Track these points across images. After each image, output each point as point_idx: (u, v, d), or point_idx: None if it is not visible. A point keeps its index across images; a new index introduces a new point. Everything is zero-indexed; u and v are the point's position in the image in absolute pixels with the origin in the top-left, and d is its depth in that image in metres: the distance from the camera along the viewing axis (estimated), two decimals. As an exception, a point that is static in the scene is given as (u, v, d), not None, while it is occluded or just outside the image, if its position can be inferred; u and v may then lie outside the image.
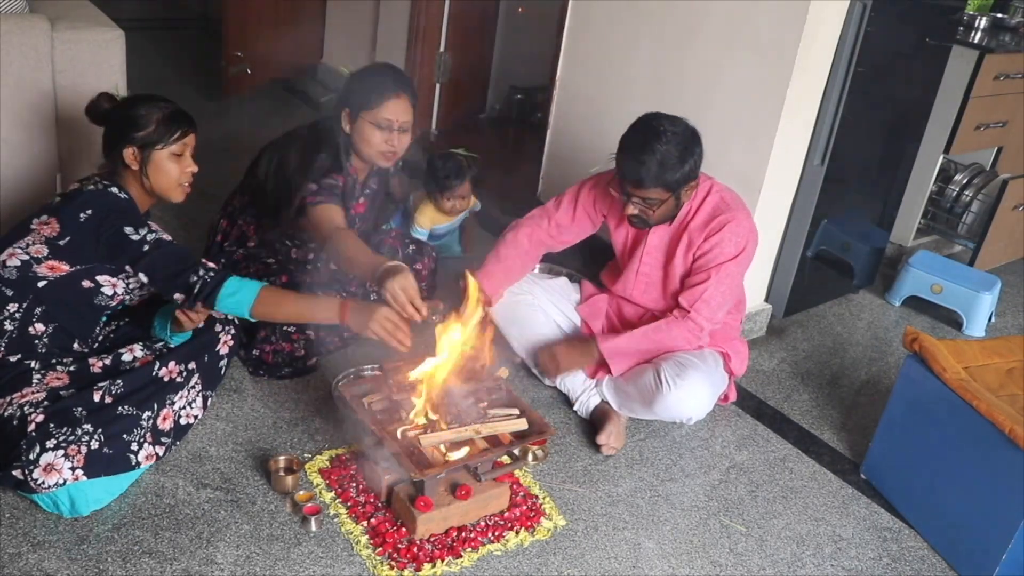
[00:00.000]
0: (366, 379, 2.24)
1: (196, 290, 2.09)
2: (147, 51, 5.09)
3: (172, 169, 2.17)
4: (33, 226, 2.10)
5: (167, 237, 2.12)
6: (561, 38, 3.46)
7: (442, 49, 4.42)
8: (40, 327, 2.12)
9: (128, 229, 2.08)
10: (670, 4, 3.02)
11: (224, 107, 4.54)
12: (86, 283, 2.11)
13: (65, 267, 2.08)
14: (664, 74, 3.08)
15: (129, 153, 2.12)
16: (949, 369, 2.23)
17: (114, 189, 2.14)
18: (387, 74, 2.53)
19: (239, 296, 2.10)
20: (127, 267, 2.11)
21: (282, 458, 2.18)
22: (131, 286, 2.17)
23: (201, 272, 2.11)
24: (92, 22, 2.86)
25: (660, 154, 2.26)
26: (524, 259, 2.66)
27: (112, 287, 2.14)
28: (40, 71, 2.70)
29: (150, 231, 2.11)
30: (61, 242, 2.07)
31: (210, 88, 4.72)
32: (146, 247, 2.09)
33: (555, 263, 2.91)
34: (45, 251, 2.07)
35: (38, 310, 2.11)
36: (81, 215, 2.08)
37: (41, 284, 2.08)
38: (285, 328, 2.47)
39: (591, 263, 2.58)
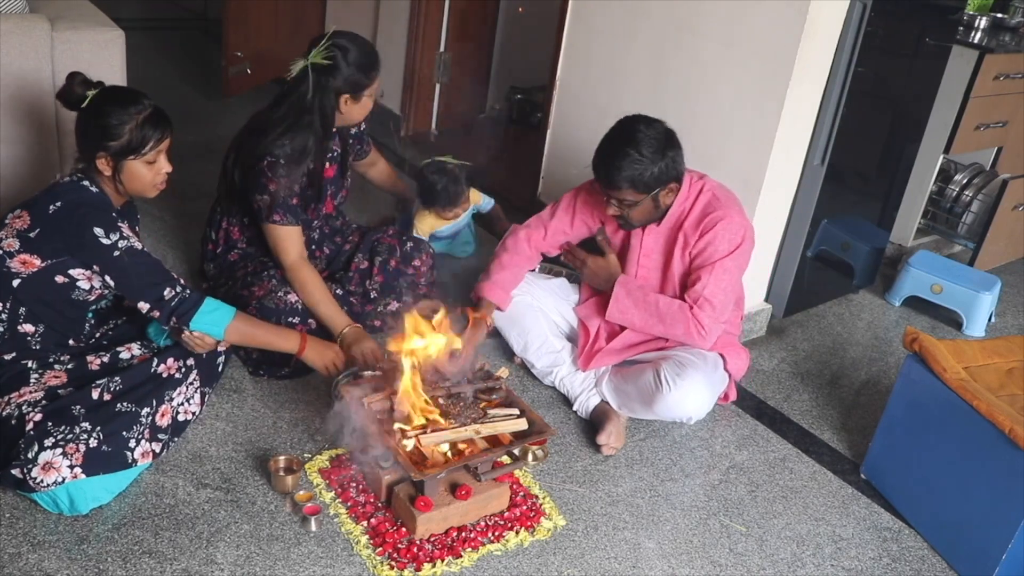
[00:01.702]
0: (366, 379, 2.24)
1: (173, 304, 2.11)
2: (147, 51, 5.09)
3: (145, 175, 2.15)
4: (7, 221, 2.09)
5: (139, 246, 2.11)
6: (561, 38, 3.46)
7: (442, 49, 4.42)
8: (29, 327, 2.13)
9: (98, 231, 2.06)
10: (670, 4, 3.02)
11: (224, 107, 4.54)
12: (59, 278, 2.09)
13: (37, 262, 2.06)
14: (664, 74, 3.08)
15: (102, 162, 2.10)
16: (949, 369, 2.23)
17: (87, 183, 2.12)
18: (366, 48, 2.59)
19: (216, 315, 2.17)
20: (95, 267, 2.10)
21: (282, 458, 2.18)
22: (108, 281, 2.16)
23: (178, 289, 2.13)
24: (92, 22, 2.86)
25: (630, 157, 2.30)
26: (527, 262, 2.71)
27: (88, 280, 2.12)
28: (40, 71, 2.70)
29: (122, 237, 2.08)
30: (31, 234, 2.06)
31: (210, 88, 4.72)
32: (116, 252, 2.07)
33: (556, 263, 2.91)
34: (16, 245, 2.06)
35: (22, 310, 2.11)
36: (51, 207, 2.06)
37: (16, 283, 2.07)
38: (290, 320, 2.49)
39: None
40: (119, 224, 2.10)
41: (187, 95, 4.70)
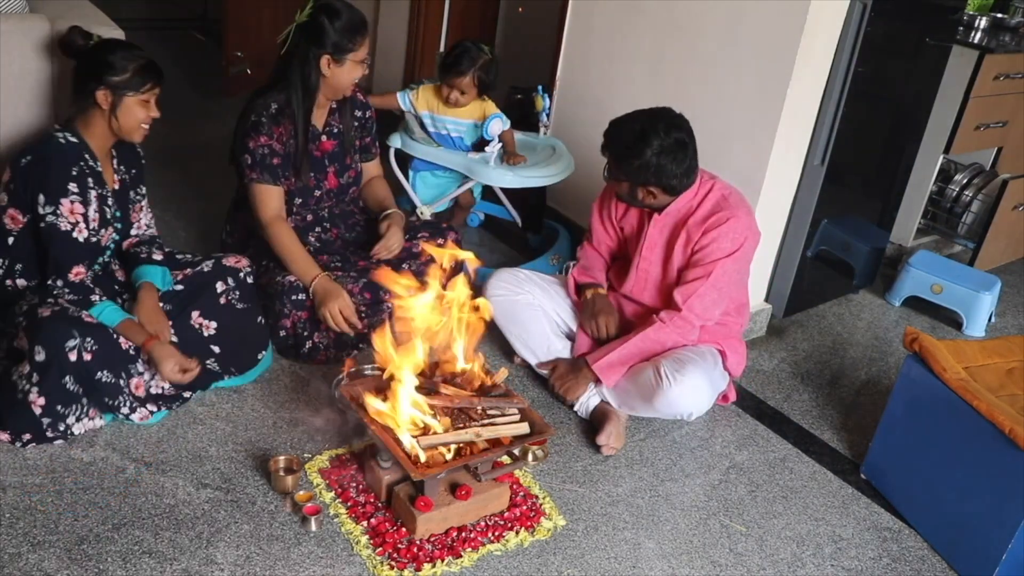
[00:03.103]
0: (366, 379, 2.24)
1: (71, 289, 2.20)
2: (147, 51, 5.08)
3: (140, 113, 2.25)
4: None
5: (64, 227, 2.17)
6: (561, 38, 3.46)
7: (442, 49, 4.41)
8: (21, 282, 2.26)
9: (41, 197, 2.16)
10: (670, 4, 3.02)
11: (224, 107, 4.54)
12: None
13: (20, 216, 2.20)
14: (664, 74, 3.09)
15: (102, 95, 2.20)
16: (949, 369, 2.23)
17: (59, 135, 2.21)
18: (355, 14, 2.57)
19: (103, 316, 2.22)
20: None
21: (282, 458, 2.18)
22: (92, 238, 2.24)
23: (60, 283, 2.19)
24: (92, 22, 2.85)
25: (615, 132, 2.39)
26: (602, 262, 2.75)
27: (79, 232, 2.20)
28: (40, 71, 2.70)
29: (55, 212, 2.16)
30: (12, 186, 2.19)
31: (210, 88, 4.72)
32: (43, 224, 2.17)
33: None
34: (5, 199, 2.20)
35: (18, 267, 2.24)
36: (23, 160, 2.18)
37: (10, 240, 2.21)
38: (295, 299, 2.53)
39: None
40: (69, 188, 2.17)
41: (187, 95, 4.70)
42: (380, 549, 1.99)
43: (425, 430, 2.04)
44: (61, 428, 2.14)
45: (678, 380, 2.35)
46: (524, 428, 2.11)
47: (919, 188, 3.69)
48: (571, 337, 2.71)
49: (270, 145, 2.55)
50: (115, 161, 2.36)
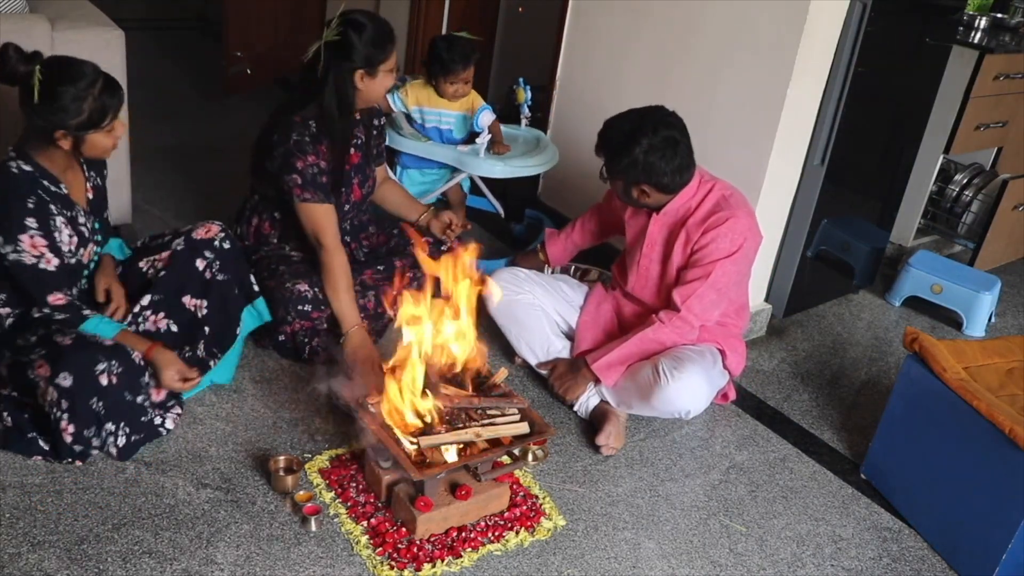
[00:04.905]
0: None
1: (59, 315, 2.13)
2: (147, 51, 5.09)
3: (106, 142, 2.13)
4: None
5: (29, 261, 2.06)
6: (561, 38, 3.46)
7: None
8: (6, 311, 2.17)
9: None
10: (670, 4, 3.02)
11: (224, 107, 4.54)
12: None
13: None
14: (664, 74, 3.09)
15: (61, 137, 2.06)
16: (949, 369, 2.23)
17: (12, 164, 2.07)
18: (379, 24, 2.54)
19: (100, 330, 2.16)
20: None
21: (282, 458, 2.18)
22: (71, 260, 2.15)
23: (46, 310, 2.12)
24: (92, 22, 2.85)
25: (609, 131, 2.42)
26: (575, 239, 2.93)
27: (46, 263, 2.10)
28: (40, 71, 2.69)
29: (15, 248, 2.05)
30: None
31: (210, 88, 4.72)
32: (7, 262, 2.07)
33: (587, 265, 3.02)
34: None
35: (1, 296, 2.15)
36: None
37: None
38: (301, 308, 2.52)
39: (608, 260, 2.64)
40: (27, 223, 2.06)
41: (187, 95, 4.70)
42: (380, 549, 1.99)
43: (425, 429, 2.04)
44: (88, 452, 2.11)
45: (676, 377, 2.36)
46: (524, 428, 2.12)
47: (919, 188, 3.69)
48: (571, 337, 2.71)
49: (317, 164, 2.52)
50: (85, 168, 2.25)
